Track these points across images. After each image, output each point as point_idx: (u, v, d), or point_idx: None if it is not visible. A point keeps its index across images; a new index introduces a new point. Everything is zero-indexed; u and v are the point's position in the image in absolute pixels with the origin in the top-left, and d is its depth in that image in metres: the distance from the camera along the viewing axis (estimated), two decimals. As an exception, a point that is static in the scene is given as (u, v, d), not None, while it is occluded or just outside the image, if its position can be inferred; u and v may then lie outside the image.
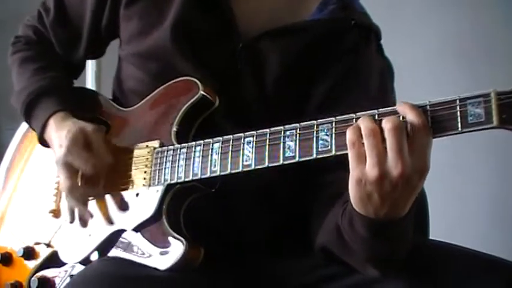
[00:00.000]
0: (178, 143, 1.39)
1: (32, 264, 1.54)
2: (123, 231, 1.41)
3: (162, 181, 1.38)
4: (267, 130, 1.27)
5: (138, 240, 1.39)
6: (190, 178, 1.35)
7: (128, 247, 1.40)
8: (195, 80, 1.41)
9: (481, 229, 2.73)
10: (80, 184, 1.43)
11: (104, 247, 1.43)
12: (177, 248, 1.32)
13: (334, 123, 1.19)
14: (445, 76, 2.78)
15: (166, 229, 1.34)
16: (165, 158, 1.39)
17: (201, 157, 1.34)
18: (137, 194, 1.41)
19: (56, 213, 1.55)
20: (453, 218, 2.62)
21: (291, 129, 1.24)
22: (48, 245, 1.54)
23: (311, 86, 1.46)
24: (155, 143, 1.42)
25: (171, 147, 1.39)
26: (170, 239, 1.33)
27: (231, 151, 1.30)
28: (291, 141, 1.23)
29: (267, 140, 1.26)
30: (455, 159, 2.65)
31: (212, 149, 1.33)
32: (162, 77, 1.45)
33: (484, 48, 2.78)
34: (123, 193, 1.44)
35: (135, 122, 1.49)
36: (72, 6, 1.60)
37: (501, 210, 2.81)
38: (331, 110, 1.24)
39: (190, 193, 1.38)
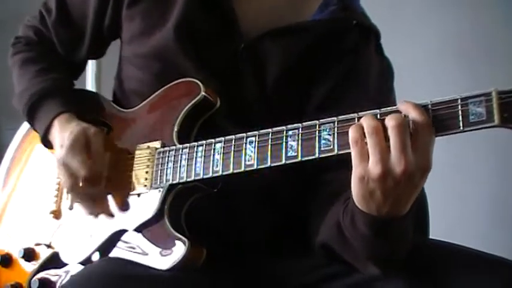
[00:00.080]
0: (180, 144, 1.39)
1: (32, 265, 1.54)
2: (124, 231, 1.41)
3: (164, 181, 1.38)
4: (269, 130, 1.27)
5: (139, 240, 1.39)
6: (192, 178, 1.35)
7: (129, 247, 1.40)
8: (197, 81, 1.41)
9: (481, 229, 2.73)
10: (80, 184, 1.44)
11: (105, 247, 1.43)
12: (179, 248, 1.32)
13: (336, 123, 1.20)
14: (445, 76, 2.79)
15: (168, 229, 1.34)
16: (167, 158, 1.39)
17: (203, 157, 1.34)
18: (139, 195, 1.42)
19: (57, 214, 1.55)
20: (453, 217, 2.62)
21: (293, 129, 1.24)
22: (49, 246, 1.54)
23: (311, 86, 1.47)
24: (157, 144, 1.42)
25: (173, 147, 1.39)
26: (172, 239, 1.33)
27: (233, 151, 1.30)
28: (293, 141, 1.24)
29: (269, 140, 1.26)
30: (455, 158, 2.65)
31: (214, 149, 1.33)
32: (164, 78, 1.45)
33: (484, 48, 2.79)
34: (125, 193, 1.44)
35: (136, 123, 1.49)
36: (74, 7, 1.60)
37: (501, 210, 2.81)
38: (332, 110, 1.24)
39: (192, 193, 1.38)
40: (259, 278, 1.42)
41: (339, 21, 1.50)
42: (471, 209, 2.80)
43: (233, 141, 1.31)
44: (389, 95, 1.50)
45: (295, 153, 1.23)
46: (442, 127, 1.12)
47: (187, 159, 1.36)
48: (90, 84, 2.51)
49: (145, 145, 1.44)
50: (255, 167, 1.27)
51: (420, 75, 2.75)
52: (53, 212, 1.55)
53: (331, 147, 1.19)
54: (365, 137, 1.14)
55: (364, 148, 1.14)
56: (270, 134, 1.26)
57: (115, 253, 1.41)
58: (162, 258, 1.33)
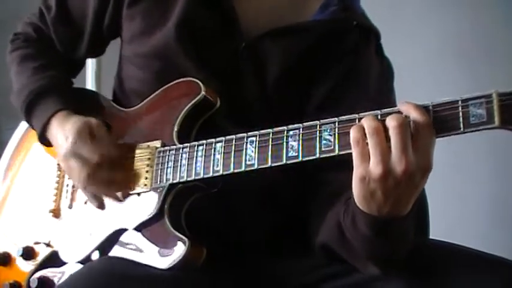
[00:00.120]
0: (180, 143, 1.39)
1: (31, 264, 1.54)
2: (124, 230, 1.41)
3: (164, 181, 1.38)
4: (270, 130, 1.27)
5: (139, 239, 1.39)
6: (192, 178, 1.35)
7: (129, 246, 1.40)
8: (197, 80, 1.41)
9: (481, 229, 2.73)
10: (97, 170, 1.41)
11: (104, 246, 1.43)
12: (179, 247, 1.32)
13: (337, 123, 1.20)
14: (445, 76, 2.78)
15: (168, 228, 1.34)
16: (167, 157, 1.39)
17: (203, 157, 1.34)
18: (139, 194, 1.42)
19: (56, 212, 1.55)
20: (453, 218, 2.62)
21: (294, 129, 1.25)
22: (48, 245, 1.54)
23: (311, 86, 1.47)
24: (157, 143, 1.42)
25: (174, 147, 1.39)
26: (172, 238, 1.33)
27: (234, 151, 1.30)
28: (294, 141, 1.24)
29: (270, 140, 1.26)
30: (455, 159, 2.65)
31: (215, 148, 1.33)
32: (164, 77, 1.45)
33: (484, 48, 2.78)
34: (125, 192, 1.44)
35: (136, 122, 1.49)
36: (74, 5, 1.60)
37: (501, 210, 2.81)
38: (332, 110, 1.24)
39: (192, 193, 1.38)
40: (259, 278, 1.42)
41: (340, 21, 1.50)
42: (471, 209, 2.80)
43: (234, 141, 1.31)
44: (389, 95, 1.50)
45: (296, 154, 1.23)
46: (442, 128, 1.13)
47: (188, 158, 1.36)
48: (90, 83, 2.51)
49: (146, 144, 1.44)
50: (255, 166, 1.27)
51: (420, 75, 2.75)
52: (52, 211, 1.55)
53: (332, 147, 1.20)
54: (366, 137, 1.14)
55: (365, 148, 1.14)
56: (271, 134, 1.27)
57: (114, 252, 1.41)
58: (162, 258, 1.34)
